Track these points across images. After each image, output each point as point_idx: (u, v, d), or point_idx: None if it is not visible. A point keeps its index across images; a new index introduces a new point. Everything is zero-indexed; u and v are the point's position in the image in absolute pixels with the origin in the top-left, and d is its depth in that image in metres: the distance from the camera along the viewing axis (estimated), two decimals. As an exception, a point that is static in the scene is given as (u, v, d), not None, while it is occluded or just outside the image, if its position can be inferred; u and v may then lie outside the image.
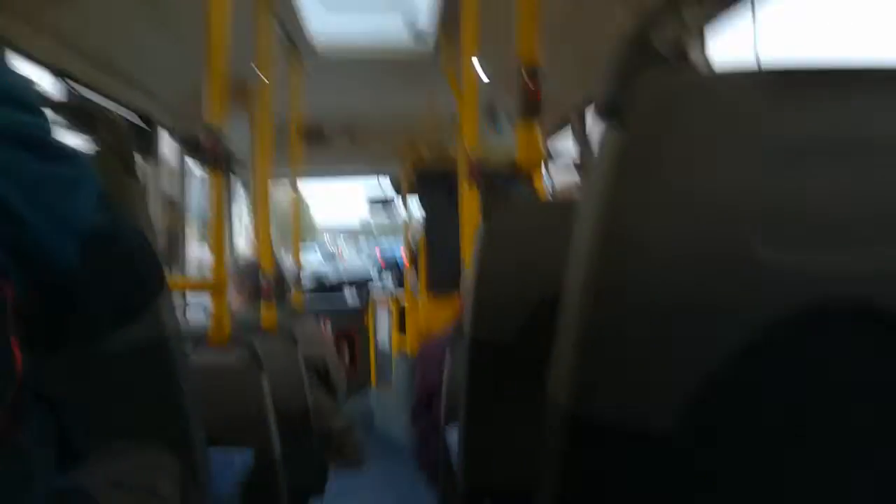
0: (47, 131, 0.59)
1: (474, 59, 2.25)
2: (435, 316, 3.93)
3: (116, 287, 0.67)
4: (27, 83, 0.60)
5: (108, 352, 1.00)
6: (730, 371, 0.59)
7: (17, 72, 0.59)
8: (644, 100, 0.60)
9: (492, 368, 1.39)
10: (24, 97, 0.58)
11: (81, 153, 0.63)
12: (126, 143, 1.02)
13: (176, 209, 3.39)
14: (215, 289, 1.79)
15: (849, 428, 0.61)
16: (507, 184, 1.48)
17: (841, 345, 0.60)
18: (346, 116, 4.26)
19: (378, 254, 8.78)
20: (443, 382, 2.02)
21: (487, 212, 1.42)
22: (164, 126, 3.12)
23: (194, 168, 3.64)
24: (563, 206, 1.45)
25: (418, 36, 3.03)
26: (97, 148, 1.01)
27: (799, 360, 0.61)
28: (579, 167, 2.94)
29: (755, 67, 0.63)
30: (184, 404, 1.07)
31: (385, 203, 5.10)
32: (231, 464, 1.45)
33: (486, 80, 3.06)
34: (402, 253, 5.63)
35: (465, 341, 1.44)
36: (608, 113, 0.63)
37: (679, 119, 0.61)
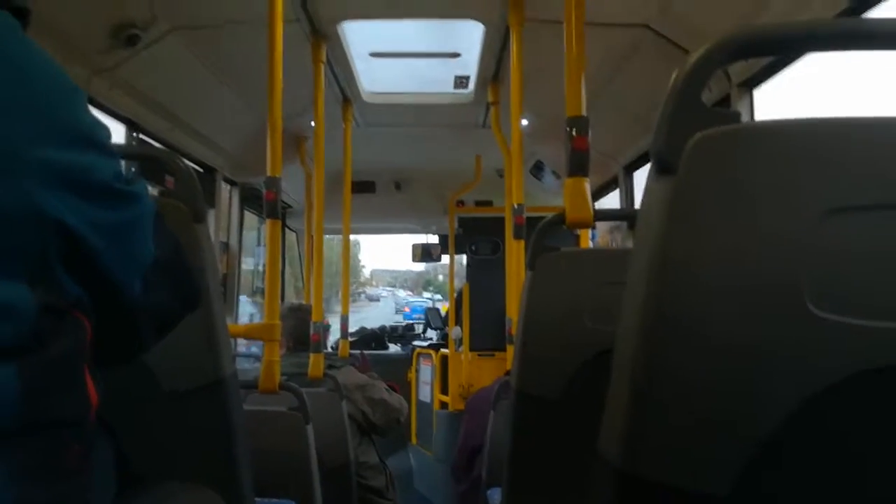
0: (117, 173, 0.63)
1: (522, 120, 2.29)
2: (478, 371, 3.89)
3: (163, 303, 0.71)
4: (102, 126, 0.64)
5: (168, 391, 1.03)
6: (788, 432, 0.57)
7: (93, 116, 0.64)
8: (695, 156, 0.60)
9: (538, 425, 1.36)
10: (100, 140, 0.62)
11: (141, 187, 0.67)
12: (195, 190, 1.06)
13: (231, 256, 3.48)
14: (268, 335, 1.82)
15: None
16: (554, 236, 1.48)
17: None
18: (395, 170, 4.36)
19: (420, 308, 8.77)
20: (486, 441, 1.98)
21: (534, 263, 1.42)
22: (223, 175, 3.24)
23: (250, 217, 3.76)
24: (610, 257, 1.44)
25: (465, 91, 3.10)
26: (168, 194, 1.06)
27: (858, 422, 0.58)
28: (631, 223, 2.93)
29: (805, 120, 0.62)
30: (236, 448, 1.08)
31: (430, 251, 5.14)
32: None
33: (531, 134, 3.10)
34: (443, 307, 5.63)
35: (511, 396, 1.42)
36: (659, 169, 0.63)
37: (729, 175, 0.60)
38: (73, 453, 0.58)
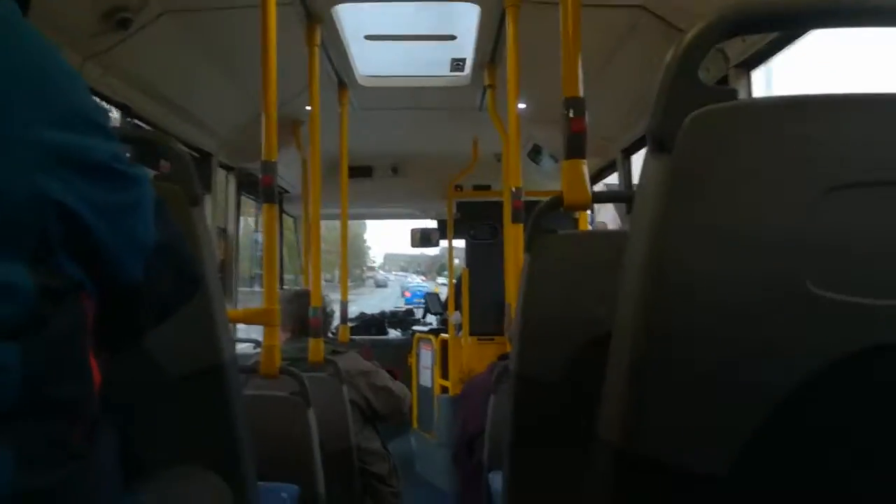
0: (117, 155, 0.62)
1: (520, 103, 2.28)
2: (478, 356, 3.90)
3: (164, 289, 0.71)
4: (100, 108, 0.64)
5: (168, 376, 1.03)
6: (786, 412, 0.57)
7: (92, 98, 0.63)
8: (691, 133, 0.60)
9: (538, 408, 1.36)
10: (98, 121, 0.62)
11: (141, 171, 0.66)
12: (190, 174, 1.06)
13: (229, 241, 3.48)
14: (267, 320, 1.82)
15: None
16: (552, 219, 1.48)
17: None
18: (392, 154, 4.34)
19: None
20: (486, 425, 1.99)
21: (532, 246, 1.41)
22: (219, 160, 3.23)
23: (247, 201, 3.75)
24: (608, 239, 1.44)
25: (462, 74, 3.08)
26: (163, 178, 1.06)
27: (857, 401, 0.58)
28: (629, 206, 2.92)
29: (803, 96, 0.61)
30: (237, 433, 1.08)
31: (428, 236, 5.14)
32: (279, 498, 1.45)
33: (528, 118, 3.08)
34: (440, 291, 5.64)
35: (510, 379, 1.43)
36: (655, 147, 0.62)
37: (727, 153, 0.60)
38: (78, 432, 0.58)
